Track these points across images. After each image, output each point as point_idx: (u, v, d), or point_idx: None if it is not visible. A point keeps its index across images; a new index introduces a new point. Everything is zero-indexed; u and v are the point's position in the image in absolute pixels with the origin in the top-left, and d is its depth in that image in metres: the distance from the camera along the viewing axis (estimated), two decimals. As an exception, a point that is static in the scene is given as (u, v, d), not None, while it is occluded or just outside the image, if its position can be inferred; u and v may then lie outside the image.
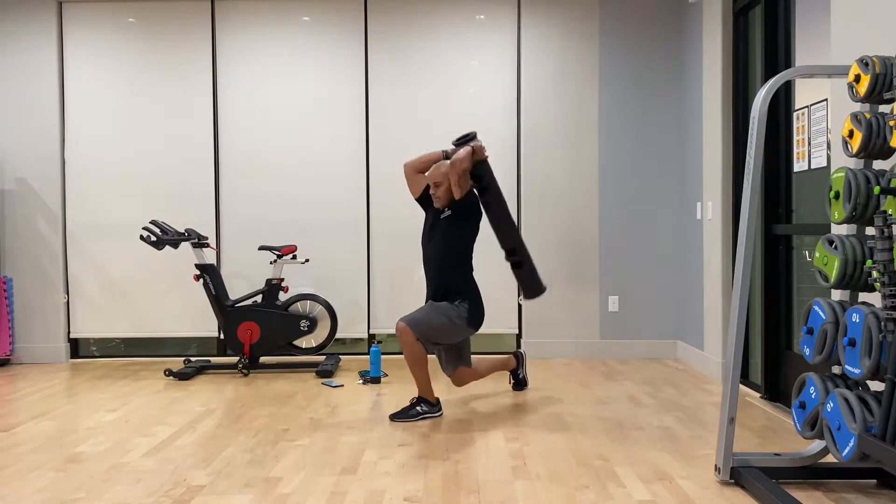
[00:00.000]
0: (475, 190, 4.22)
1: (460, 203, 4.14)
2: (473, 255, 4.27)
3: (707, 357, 5.20)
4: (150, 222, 5.33)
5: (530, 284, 4.32)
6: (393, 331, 6.06)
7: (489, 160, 4.25)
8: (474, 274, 4.27)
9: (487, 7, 5.95)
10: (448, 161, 4.15)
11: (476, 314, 4.18)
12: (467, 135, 4.19)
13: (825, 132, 3.79)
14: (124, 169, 6.00)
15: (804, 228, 4.13)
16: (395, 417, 4.05)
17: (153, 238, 5.23)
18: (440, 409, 4.15)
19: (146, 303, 6.00)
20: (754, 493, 2.82)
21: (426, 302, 4.24)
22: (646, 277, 5.90)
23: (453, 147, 4.21)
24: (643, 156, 5.90)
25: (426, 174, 4.26)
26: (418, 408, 4.08)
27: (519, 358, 4.75)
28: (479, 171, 4.17)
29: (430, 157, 4.26)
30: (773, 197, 4.38)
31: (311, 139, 5.98)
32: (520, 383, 4.74)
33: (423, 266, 4.30)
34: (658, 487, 2.96)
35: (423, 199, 4.31)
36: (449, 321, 4.07)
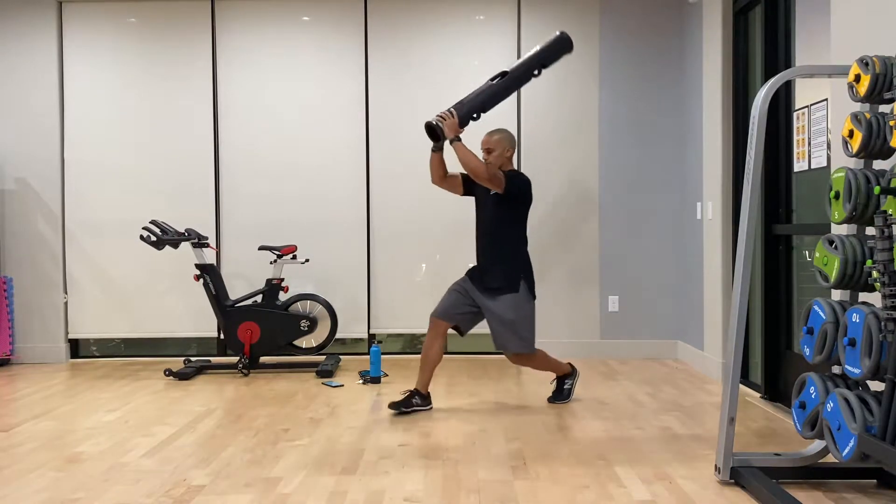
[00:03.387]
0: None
1: (505, 189, 4.17)
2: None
3: (707, 357, 5.20)
4: (150, 222, 5.33)
5: (550, 53, 4.31)
6: (393, 330, 6.11)
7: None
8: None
9: (487, 7, 5.95)
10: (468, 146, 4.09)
11: (532, 284, 4.27)
12: (433, 127, 4.07)
13: (825, 132, 3.79)
14: (124, 169, 6.00)
15: (804, 228, 4.13)
16: (553, 400, 4.41)
17: (153, 238, 5.23)
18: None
19: (146, 303, 6.00)
20: (754, 493, 2.82)
21: (470, 273, 4.32)
22: (646, 277, 5.90)
23: (436, 121, 4.07)
24: (643, 156, 5.89)
25: (458, 172, 4.28)
26: (566, 385, 4.44)
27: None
28: (466, 119, 4.12)
29: (434, 162, 4.26)
30: (773, 197, 4.38)
31: (312, 139, 5.98)
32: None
33: (475, 240, 4.35)
34: (658, 487, 2.96)
35: (469, 190, 4.35)
36: (529, 314, 4.23)
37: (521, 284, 4.19)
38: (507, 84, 4.23)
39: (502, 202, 4.20)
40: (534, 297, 4.27)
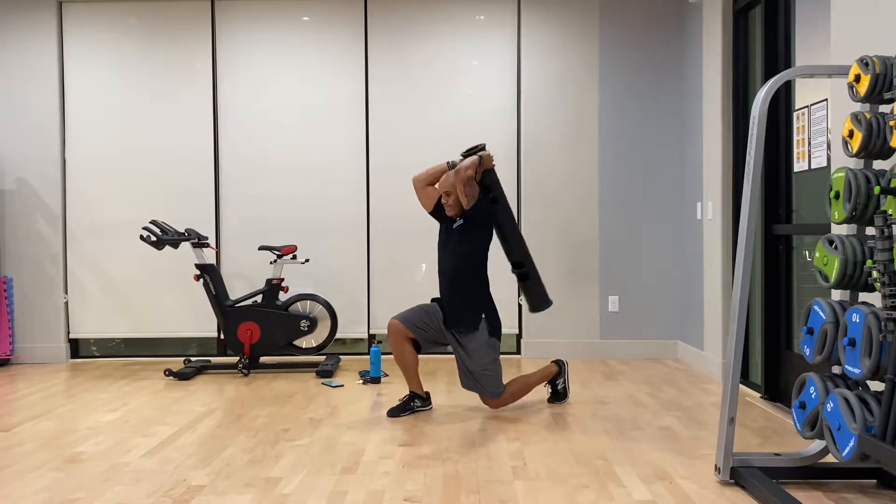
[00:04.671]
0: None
1: (470, 211, 4.13)
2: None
3: (707, 357, 5.20)
4: (150, 222, 5.33)
5: (536, 297, 4.32)
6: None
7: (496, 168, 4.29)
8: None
9: (487, 7, 5.95)
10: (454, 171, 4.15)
11: (496, 325, 4.18)
12: (476, 146, 4.22)
13: (825, 132, 3.79)
14: (124, 169, 6.00)
15: (804, 228, 4.13)
16: (552, 401, 4.39)
17: (153, 238, 5.23)
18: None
19: (146, 303, 6.00)
20: (754, 493, 2.82)
21: (432, 303, 4.24)
22: (646, 277, 5.90)
23: (460, 157, 4.22)
24: (643, 156, 5.89)
25: (436, 186, 4.27)
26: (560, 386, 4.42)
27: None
28: (487, 180, 4.19)
29: (435, 170, 4.27)
30: (773, 197, 4.38)
31: (311, 139, 5.98)
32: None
33: (437, 275, 4.26)
34: (658, 487, 2.96)
35: (437, 212, 4.31)
36: (491, 361, 4.11)
37: (481, 322, 4.09)
38: (515, 238, 4.31)
39: (466, 230, 4.14)
40: (497, 338, 4.17)
